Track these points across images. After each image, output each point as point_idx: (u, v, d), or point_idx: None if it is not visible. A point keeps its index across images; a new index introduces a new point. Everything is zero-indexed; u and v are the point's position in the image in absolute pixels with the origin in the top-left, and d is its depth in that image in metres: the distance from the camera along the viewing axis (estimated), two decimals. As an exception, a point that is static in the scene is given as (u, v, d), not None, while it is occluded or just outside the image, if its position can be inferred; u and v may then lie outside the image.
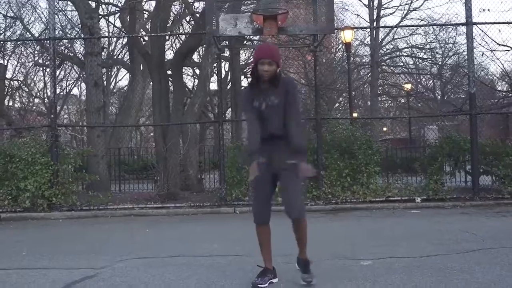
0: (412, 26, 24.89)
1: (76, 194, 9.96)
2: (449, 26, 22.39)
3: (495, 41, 13.00)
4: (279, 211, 4.06)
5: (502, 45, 13.07)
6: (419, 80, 30.57)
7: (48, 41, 10.61)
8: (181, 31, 19.94)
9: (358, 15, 35.79)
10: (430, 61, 26.81)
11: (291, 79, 4.26)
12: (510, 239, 5.89)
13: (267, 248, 4.17)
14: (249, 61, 26.75)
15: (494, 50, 13.19)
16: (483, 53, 13.27)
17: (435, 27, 24.01)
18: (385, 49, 28.21)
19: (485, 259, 4.84)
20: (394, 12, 27.01)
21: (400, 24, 24.76)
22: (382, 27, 26.57)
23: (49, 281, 4.42)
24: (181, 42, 18.84)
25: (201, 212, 9.53)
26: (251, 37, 16.73)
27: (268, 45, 4.49)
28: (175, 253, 5.58)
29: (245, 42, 17.17)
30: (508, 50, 13.36)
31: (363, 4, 26.90)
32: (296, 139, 3.92)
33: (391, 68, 29.07)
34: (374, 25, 25.78)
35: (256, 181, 4.00)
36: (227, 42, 14.85)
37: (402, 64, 28.79)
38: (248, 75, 4.62)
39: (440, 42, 24.75)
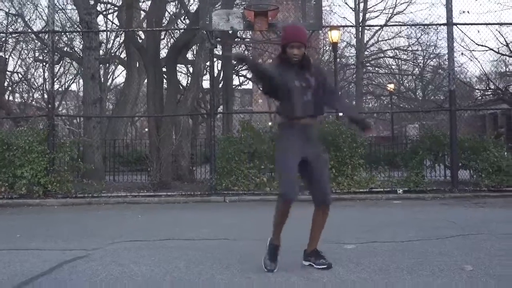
0: (397, 25, 25.03)
1: (71, 182, 9.79)
2: (430, 30, 22.46)
3: (474, 41, 13.03)
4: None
5: (480, 45, 13.10)
6: (401, 82, 30.67)
7: (47, 34, 10.45)
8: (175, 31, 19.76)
9: (344, 17, 35.91)
10: (412, 63, 26.89)
11: (319, 65, 4.01)
12: (488, 227, 5.85)
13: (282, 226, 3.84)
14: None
15: (474, 50, 13.23)
16: (462, 53, 13.29)
17: (417, 30, 24.11)
18: (369, 51, 28.25)
19: (464, 244, 4.79)
20: (379, 16, 26.90)
21: (385, 28, 24.84)
22: (368, 26, 26.63)
23: (41, 261, 4.30)
24: (175, 39, 18.66)
25: (192, 201, 9.42)
26: (243, 35, 16.64)
27: (296, 26, 4.09)
28: (165, 236, 5.48)
29: (236, 39, 17.02)
30: (487, 50, 13.40)
31: (350, 7, 26.92)
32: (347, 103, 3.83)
33: (376, 69, 29.14)
34: (360, 28, 25.77)
35: (288, 155, 3.70)
36: (219, 39, 14.71)
37: (386, 65, 28.88)
38: (275, 58, 4.13)
39: (422, 44, 24.82)
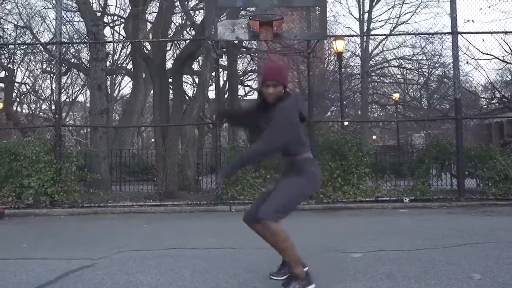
0: (403, 34, 25.09)
1: (77, 192, 9.79)
2: (435, 39, 22.48)
3: (479, 50, 13.00)
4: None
5: (485, 54, 13.06)
6: (406, 91, 30.63)
7: (54, 46, 10.54)
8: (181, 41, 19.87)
9: (349, 27, 35.99)
10: (417, 72, 26.86)
11: (288, 104, 3.46)
12: (496, 235, 5.79)
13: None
14: (247, 69, 26.75)
15: (479, 59, 13.20)
16: (467, 62, 13.26)
17: (422, 40, 24.12)
18: (374, 60, 28.25)
19: (472, 253, 4.73)
20: (383, 26, 26.95)
21: (390, 37, 24.88)
22: (373, 35, 26.66)
23: (47, 270, 4.28)
24: (181, 50, 18.79)
25: (198, 210, 9.39)
26: (248, 45, 16.67)
27: (274, 64, 4.00)
28: (171, 246, 5.46)
29: (242, 49, 17.07)
30: (492, 59, 13.36)
31: (354, 17, 26.99)
32: (248, 150, 3.49)
33: (381, 78, 29.13)
34: (365, 38, 25.81)
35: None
36: (225, 50, 14.77)
37: (390, 75, 28.86)
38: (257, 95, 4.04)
39: (427, 54, 24.80)
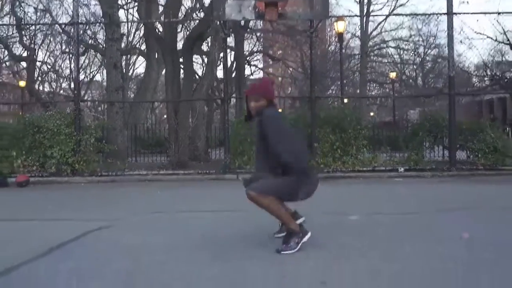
0: (401, 14, 24.78)
1: (96, 162, 9.84)
2: (431, 21, 22.19)
3: (473, 30, 12.80)
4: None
5: (479, 33, 12.85)
6: (403, 71, 30.35)
7: (72, 27, 10.46)
8: (191, 21, 19.66)
9: (349, 10, 35.42)
10: (413, 52, 26.60)
11: (269, 111, 3.46)
12: (485, 201, 5.79)
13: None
14: (253, 50, 26.53)
15: (472, 39, 13.00)
16: (461, 41, 13.05)
17: (418, 22, 23.83)
18: (373, 41, 27.93)
19: (463, 216, 4.74)
20: (382, 8, 26.52)
21: (388, 19, 24.55)
22: (373, 15, 26.30)
23: (69, 230, 4.32)
24: (191, 30, 18.62)
25: (208, 179, 9.42)
26: (254, 27, 16.48)
27: (260, 82, 4.02)
28: (183, 210, 5.51)
29: (248, 30, 16.87)
30: (485, 38, 13.17)
31: (354, 0, 26.54)
32: (283, 157, 3.36)
33: (379, 58, 28.86)
34: (364, 19, 25.46)
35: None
36: (231, 30, 14.60)
37: (388, 55, 28.61)
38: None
39: (422, 35, 24.49)
